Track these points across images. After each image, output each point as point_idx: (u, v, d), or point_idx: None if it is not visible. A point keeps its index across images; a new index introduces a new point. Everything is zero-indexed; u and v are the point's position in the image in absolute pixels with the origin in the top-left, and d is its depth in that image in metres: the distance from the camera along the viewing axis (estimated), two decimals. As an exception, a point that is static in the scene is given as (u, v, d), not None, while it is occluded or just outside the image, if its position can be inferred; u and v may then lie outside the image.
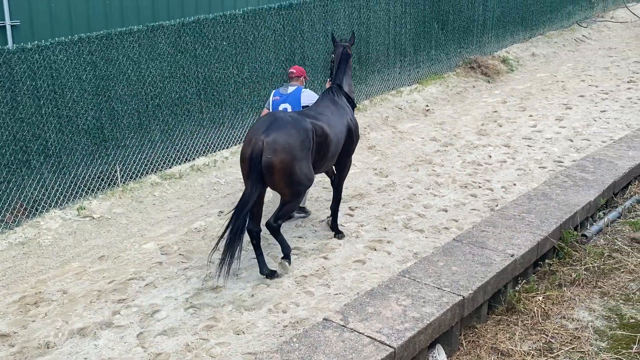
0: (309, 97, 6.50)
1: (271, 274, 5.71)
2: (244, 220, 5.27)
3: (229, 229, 5.26)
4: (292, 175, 5.44)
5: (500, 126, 9.92)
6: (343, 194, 7.29)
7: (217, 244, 5.41)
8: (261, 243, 5.93)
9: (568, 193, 4.87)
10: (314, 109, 6.08)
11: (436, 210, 7.13)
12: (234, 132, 8.68)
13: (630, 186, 5.03)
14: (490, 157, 8.66)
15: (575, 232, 5.15)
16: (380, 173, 8.25)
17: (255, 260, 5.89)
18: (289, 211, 5.64)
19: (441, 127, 9.92)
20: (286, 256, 5.75)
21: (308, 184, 5.61)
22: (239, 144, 8.70)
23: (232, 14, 8.32)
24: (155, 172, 7.82)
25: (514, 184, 7.76)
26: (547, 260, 5.05)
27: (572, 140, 9.17)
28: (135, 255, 6.28)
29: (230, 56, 8.40)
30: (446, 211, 7.09)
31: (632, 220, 4.87)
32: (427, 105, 10.84)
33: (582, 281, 4.65)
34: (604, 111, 10.43)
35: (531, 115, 10.35)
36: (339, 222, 6.70)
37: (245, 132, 8.80)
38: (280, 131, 5.43)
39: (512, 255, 4.64)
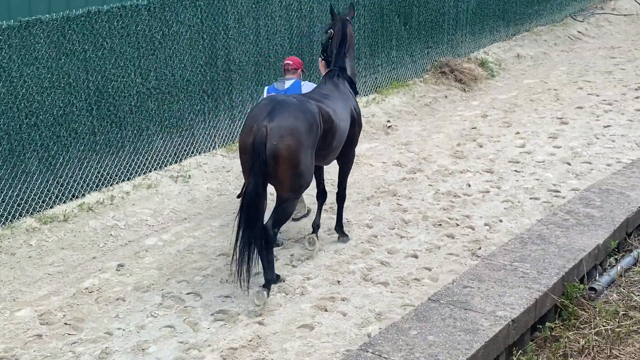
0: (310, 88, 7.01)
1: (276, 279, 6.40)
2: (255, 222, 5.88)
3: (239, 237, 5.89)
4: (298, 164, 5.99)
5: (481, 146, 10.03)
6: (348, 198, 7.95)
7: (233, 254, 5.99)
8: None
9: (570, 234, 4.87)
10: (317, 92, 6.69)
11: (403, 256, 7.09)
12: (138, 159, 8.47)
13: (647, 223, 5.14)
14: (470, 186, 8.72)
15: (581, 286, 5.15)
16: (331, 209, 8.17)
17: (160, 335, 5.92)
18: (286, 213, 6.20)
19: (407, 149, 9.96)
20: (267, 284, 6.22)
21: (309, 180, 6.19)
22: (145, 173, 8.51)
23: (134, 5, 8.18)
24: (31, 213, 7.57)
25: (500, 220, 7.81)
26: (547, 323, 5.02)
27: (569, 164, 9.34)
28: (5, 327, 6.02)
29: (132, 60, 8.24)
30: (416, 257, 7.06)
31: (652, 267, 4.91)
32: (388, 121, 10.88)
33: (592, 349, 4.63)
34: (608, 126, 10.68)
35: (518, 133, 10.51)
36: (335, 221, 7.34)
37: (155, 157, 8.62)
38: (285, 115, 5.96)
39: (504, 319, 4.59)
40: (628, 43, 15.67)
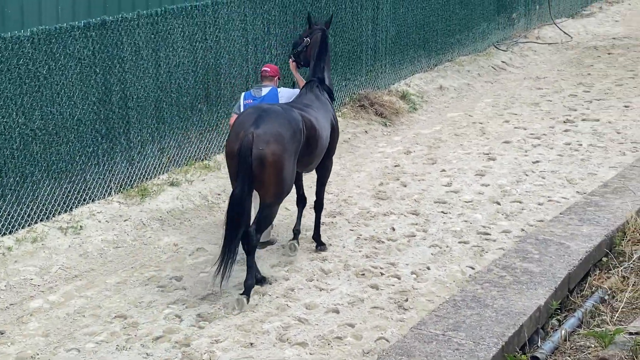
0: (287, 95, 7.76)
1: (262, 280, 7.20)
2: (239, 224, 6.61)
3: (225, 239, 6.61)
4: (282, 169, 6.73)
5: (405, 186, 9.96)
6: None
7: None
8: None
9: (508, 294, 4.66)
10: (300, 102, 7.47)
11: (323, 311, 6.87)
12: (22, 209, 7.99)
13: (588, 278, 4.98)
14: (394, 230, 8.60)
15: (523, 357, 4.93)
16: (242, 260, 7.86)
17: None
18: (269, 218, 7.01)
19: (326, 190, 9.74)
20: (247, 290, 6.87)
21: (290, 186, 6.96)
22: (29, 225, 8.03)
23: (15, 37, 7.79)
24: None
25: (428, 268, 7.69)
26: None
27: (499, 203, 9.33)
28: None
29: (13, 98, 7.83)
30: (338, 312, 6.85)
31: (598, 330, 4.71)
32: (304, 160, 10.71)
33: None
34: (537, 162, 10.76)
35: (444, 170, 10.49)
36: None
37: (42, 206, 8.16)
38: (271, 122, 6.74)
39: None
40: (554, 73, 16.01)
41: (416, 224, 8.73)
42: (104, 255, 8.02)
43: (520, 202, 9.34)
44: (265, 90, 7.83)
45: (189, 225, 8.79)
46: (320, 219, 8.04)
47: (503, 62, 16.40)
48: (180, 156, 9.82)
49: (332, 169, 8.07)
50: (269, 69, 7.98)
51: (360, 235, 8.45)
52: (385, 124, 12.34)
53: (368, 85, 13.00)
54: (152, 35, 9.26)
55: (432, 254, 8.00)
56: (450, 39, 15.40)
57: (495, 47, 16.87)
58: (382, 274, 7.57)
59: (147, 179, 9.33)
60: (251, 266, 6.94)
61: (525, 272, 4.77)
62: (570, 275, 4.72)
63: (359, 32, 12.70)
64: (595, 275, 4.89)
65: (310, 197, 8.24)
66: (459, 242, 8.26)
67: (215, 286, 6.93)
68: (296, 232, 8.02)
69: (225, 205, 9.20)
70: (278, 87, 7.94)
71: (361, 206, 9.27)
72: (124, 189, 9.03)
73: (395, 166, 10.68)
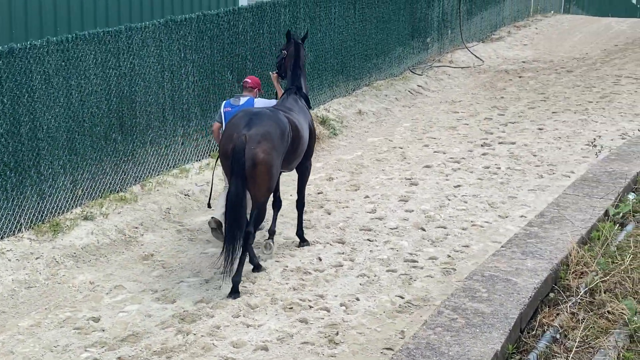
0: (262, 104, 8.36)
1: (257, 267, 8.00)
2: (240, 222, 7.30)
3: (226, 236, 7.29)
4: (272, 167, 7.48)
5: (329, 213, 9.76)
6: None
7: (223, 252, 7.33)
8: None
9: (463, 340, 4.40)
10: (282, 106, 8.24)
11: (252, 349, 6.58)
12: None
13: (538, 315, 4.83)
14: (321, 260, 8.37)
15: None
16: (164, 297, 7.49)
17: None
18: (262, 215, 7.74)
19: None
20: (235, 285, 7.51)
21: (275, 183, 7.76)
22: None
23: None
24: None
25: (357, 299, 7.49)
26: None
27: (424, 229, 9.24)
28: None
29: None
30: (267, 349, 6.57)
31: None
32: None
33: None
34: (459, 186, 10.74)
35: (367, 197, 10.35)
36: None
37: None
38: (262, 124, 7.49)
39: None
40: (468, 97, 16.15)
41: (343, 253, 8.53)
42: (15, 297, 7.52)
43: (444, 228, 9.26)
44: (243, 100, 8.56)
45: (105, 262, 8.36)
46: (302, 216, 8.72)
47: (419, 86, 16.46)
48: (94, 188, 9.37)
49: (310, 170, 8.85)
50: (250, 80, 8.84)
51: (287, 266, 8.19)
52: None
53: None
54: (63, 63, 8.83)
55: (360, 284, 7.80)
56: (368, 63, 15.39)
57: (411, 71, 16.93)
58: (310, 306, 7.31)
59: (59, 213, 8.84)
60: (242, 264, 7.55)
61: (476, 314, 4.56)
62: (521, 314, 4.57)
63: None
64: (545, 312, 4.74)
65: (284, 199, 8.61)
66: (387, 271, 8.08)
67: (225, 281, 7.58)
68: (271, 232, 8.55)
69: (144, 239, 8.81)
70: (255, 98, 8.65)
71: (286, 236, 9.02)
72: (34, 224, 8.52)
73: (319, 193, 10.49)
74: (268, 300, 7.45)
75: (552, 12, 29.02)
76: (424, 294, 7.57)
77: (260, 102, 8.55)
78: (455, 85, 17.13)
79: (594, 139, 11.30)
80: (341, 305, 7.35)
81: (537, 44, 21.87)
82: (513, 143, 12.75)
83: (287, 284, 7.79)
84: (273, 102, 8.65)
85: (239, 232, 7.29)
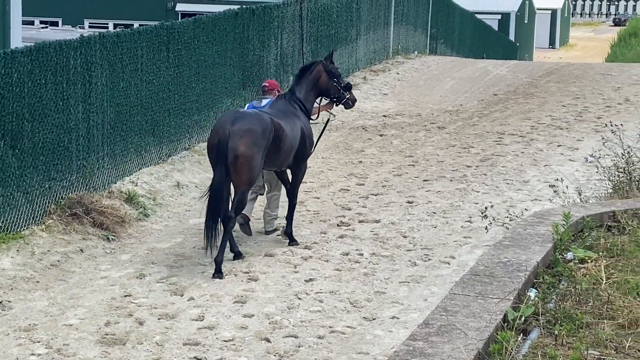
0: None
1: (238, 254, 11.34)
2: (219, 206, 10.69)
3: (207, 218, 10.73)
4: (252, 159, 10.72)
5: (141, 324, 9.53)
6: None
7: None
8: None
9: None
10: (270, 109, 11.63)
11: None
12: None
13: None
14: (130, 391, 8.02)
15: None
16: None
17: None
18: (243, 202, 11.08)
19: (29, 337, 9.24)
20: (218, 265, 10.77)
21: (258, 175, 11.23)
22: None
23: None
24: None
25: None
26: None
27: (268, 340, 9.16)
28: None
29: None
30: None
31: None
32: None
33: None
34: (311, 280, 10.74)
35: (192, 299, 10.17)
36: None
37: None
38: (244, 121, 10.81)
39: None
40: (318, 161, 16.39)
41: (161, 380, 8.24)
42: None
43: (295, 337, 9.17)
44: (264, 102, 12.09)
45: None
46: (292, 215, 11.93)
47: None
48: None
49: (305, 172, 12.20)
50: (268, 84, 12.71)
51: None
52: (108, 238, 12.04)
53: (81, 186, 12.72)
54: None
55: (185, 422, 7.51)
56: (187, 120, 15.50)
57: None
58: None
59: None
60: (223, 245, 10.80)
61: None
62: None
63: (66, 115, 12.40)
64: None
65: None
66: (221, 402, 7.85)
67: (209, 255, 10.73)
68: (283, 232, 12.04)
69: None
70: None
71: (82, 357, 8.72)
72: None
73: (126, 296, 10.26)
74: None
75: (416, 52, 30.17)
76: None
77: (267, 107, 11.94)
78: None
79: (485, 207, 11.55)
80: None
81: (401, 93, 22.57)
82: (377, 221, 12.93)
83: None
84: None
85: (218, 216, 10.68)
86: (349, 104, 12.58)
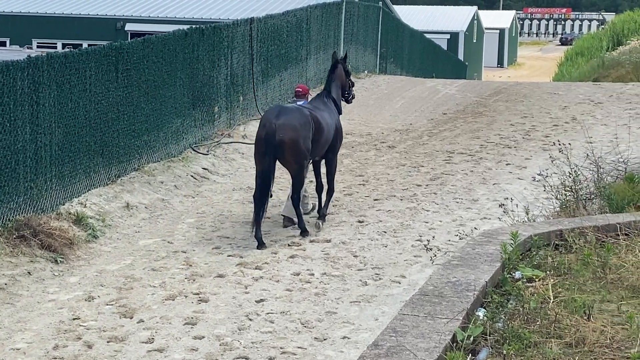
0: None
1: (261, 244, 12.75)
2: (266, 191, 12.74)
3: (255, 201, 12.66)
4: (298, 148, 12.61)
5: (90, 347, 9.45)
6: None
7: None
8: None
9: None
10: (309, 105, 13.59)
11: None
12: None
13: None
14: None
15: None
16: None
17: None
18: (300, 181, 12.94)
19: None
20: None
21: (307, 157, 12.90)
22: None
23: None
24: None
25: None
26: None
27: (220, 364, 9.06)
28: None
29: None
30: None
31: None
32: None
33: None
34: (262, 301, 10.70)
35: (142, 321, 10.10)
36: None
37: None
38: (287, 116, 12.68)
39: None
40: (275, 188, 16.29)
41: (109, 404, 8.15)
42: None
43: (246, 358, 9.15)
44: (299, 103, 13.70)
45: None
46: (330, 200, 13.90)
47: (205, 169, 16.53)
48: None
49: (336, 165, 14.13)
50: (300, 89, 14.44)
51: None
52: (56, 261, 11.92)
53: (29, 208, 12.58)
54: None
55: None
56: (136, 141, 15.42)
57: (194, 150, 17.04)
58: None
59: None
60: (299, 214, 13.06)
61: None
62: None
63: (13, 136, 12.27)
64: None
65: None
66: None
67: (253, 235, 12.58)
68: (321, 214, 13.61)
69: None
70: (307, 102, 13.99)
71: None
72: None
73: (75, 319, 10.15)
74: None
75: (366, 72, 30.31)
76: None
77: (306, 103, 13.77)
78: (251, 167, 17.21)
79: (428, 240, 11.61)
80: None
81: (351, 112, 22.59)
82: (328, 241, 12.93)
83: None
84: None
85: (266, 196, 12.65)
86: (351, 100, 14.86)
